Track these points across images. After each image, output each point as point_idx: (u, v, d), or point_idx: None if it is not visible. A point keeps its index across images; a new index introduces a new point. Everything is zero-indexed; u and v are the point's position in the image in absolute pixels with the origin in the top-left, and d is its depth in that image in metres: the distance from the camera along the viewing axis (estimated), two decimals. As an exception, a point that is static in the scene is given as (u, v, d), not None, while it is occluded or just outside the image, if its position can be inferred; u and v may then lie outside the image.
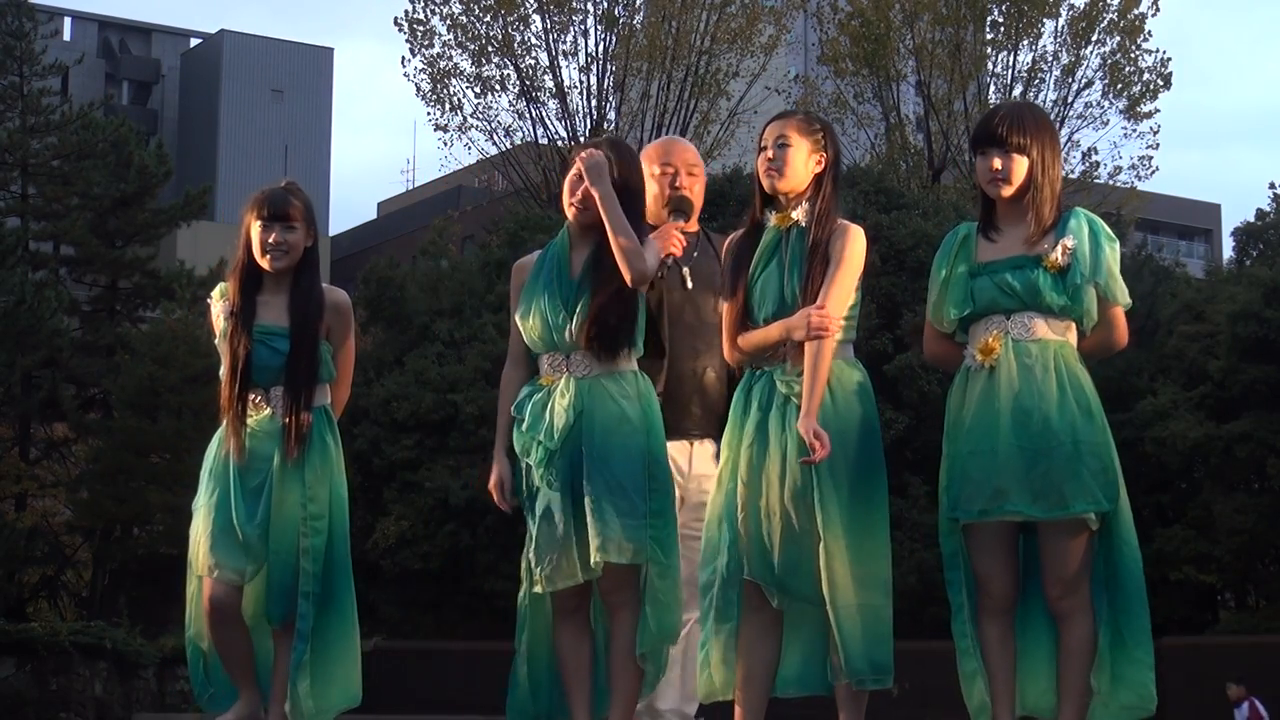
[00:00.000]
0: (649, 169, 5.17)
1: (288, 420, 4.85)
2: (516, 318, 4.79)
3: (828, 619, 4.34)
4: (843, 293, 4.43)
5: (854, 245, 4.46)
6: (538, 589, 4.59)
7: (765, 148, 4.58)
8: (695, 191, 5.27)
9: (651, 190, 5.15)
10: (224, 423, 4.93)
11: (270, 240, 4.92)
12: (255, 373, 4.89)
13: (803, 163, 4.54)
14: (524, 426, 4.69)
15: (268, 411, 4.90)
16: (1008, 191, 4.43)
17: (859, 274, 4.49)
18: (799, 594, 4.39)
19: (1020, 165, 4.40)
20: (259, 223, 4.95)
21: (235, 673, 4.89)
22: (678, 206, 5.17)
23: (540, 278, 4.75)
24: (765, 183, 4.57)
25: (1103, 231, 4.39)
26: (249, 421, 4.89)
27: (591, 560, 4.51)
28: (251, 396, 4.90)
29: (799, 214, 4.53)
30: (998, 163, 4.42)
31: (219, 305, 5.00)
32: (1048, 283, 4.33)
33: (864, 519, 4.37)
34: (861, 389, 4.49)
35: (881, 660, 4.36)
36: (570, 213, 4.75)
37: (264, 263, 4.94)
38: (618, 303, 4.62)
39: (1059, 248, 4.33)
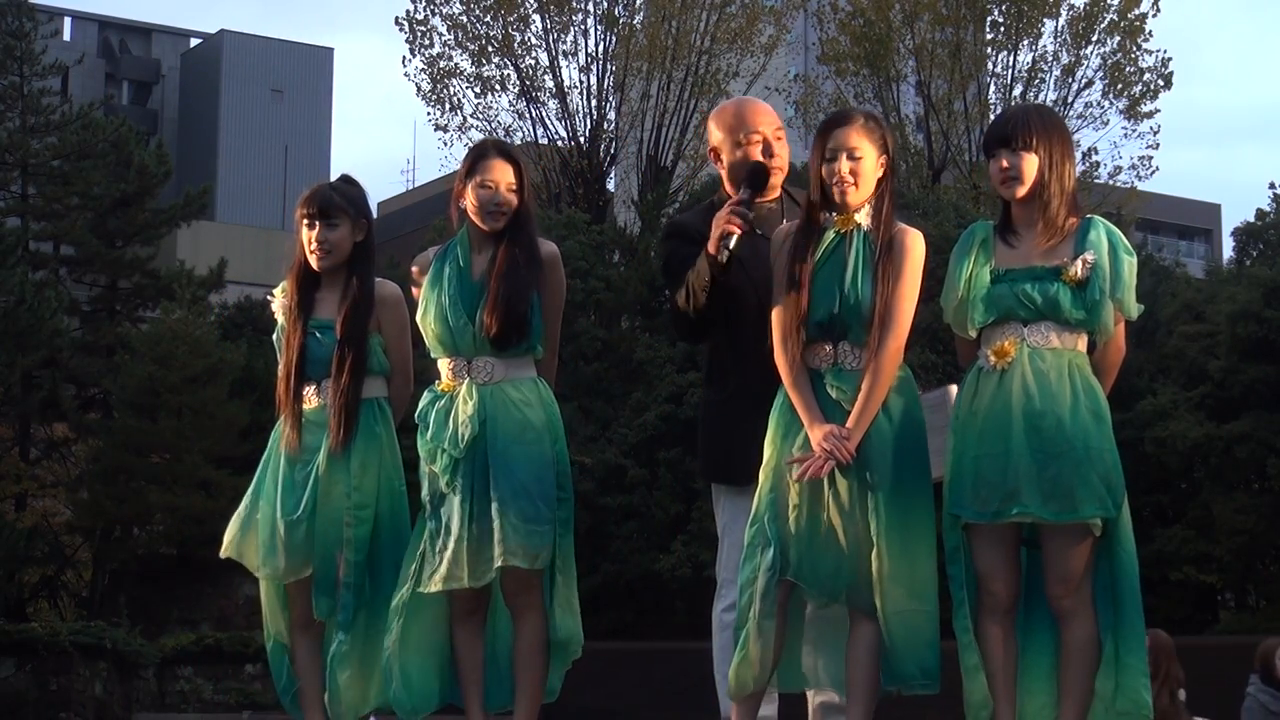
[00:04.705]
0: (724, 139, 4.98)
1: (331, 410, 4.85)
2: (418, 317, 4.84)
3: (873, 624, 4.36)
4: (910, 307, 4.45)
5: (916, 255, 4.47)
6: (433, 588, 4.65)
7: (834, 159, 4.47)
8: (784, 156, 4.98)
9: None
10: (280, 417, 4.95)
11: (313, 239, 4.92)
12: (308, 366, 4.91)
13: (872, 172, 4.50)
14: (428, 435, 4.77)
15: (318, 403, 4.91)
16: (1020, 191, 4.44)
17: (920, 280, 4.50)
18: (837, 597, 4.41)
19: (1030, 163, 4.41)
20: (304, 221, 4.95)
21: (307, 690, 4.90)
22: (746, 179, 4.72)
23: (440, 280, 4.79)
24: (835, 193, 4.48)
25: (1121, 244, 4.42)
26: (302, 413, 4.91)
27: (495, 564, 4.59)
28: (305, 389, 4.92)
29: (862, 217, 4.50)
30: (1006, 162, 4.43)
31: (278, 303, 5.02)
32: (1067, 297, 4.35)
33: (913, 526, 4.39)
34: (910, 394, 4.50)
35: (930, 665, 4.39)
36: (479, 218, 4.79)
37: (311, 261, 4.94)
38: (519, 305, 4.68)
39: (1079, 262, 4.34)
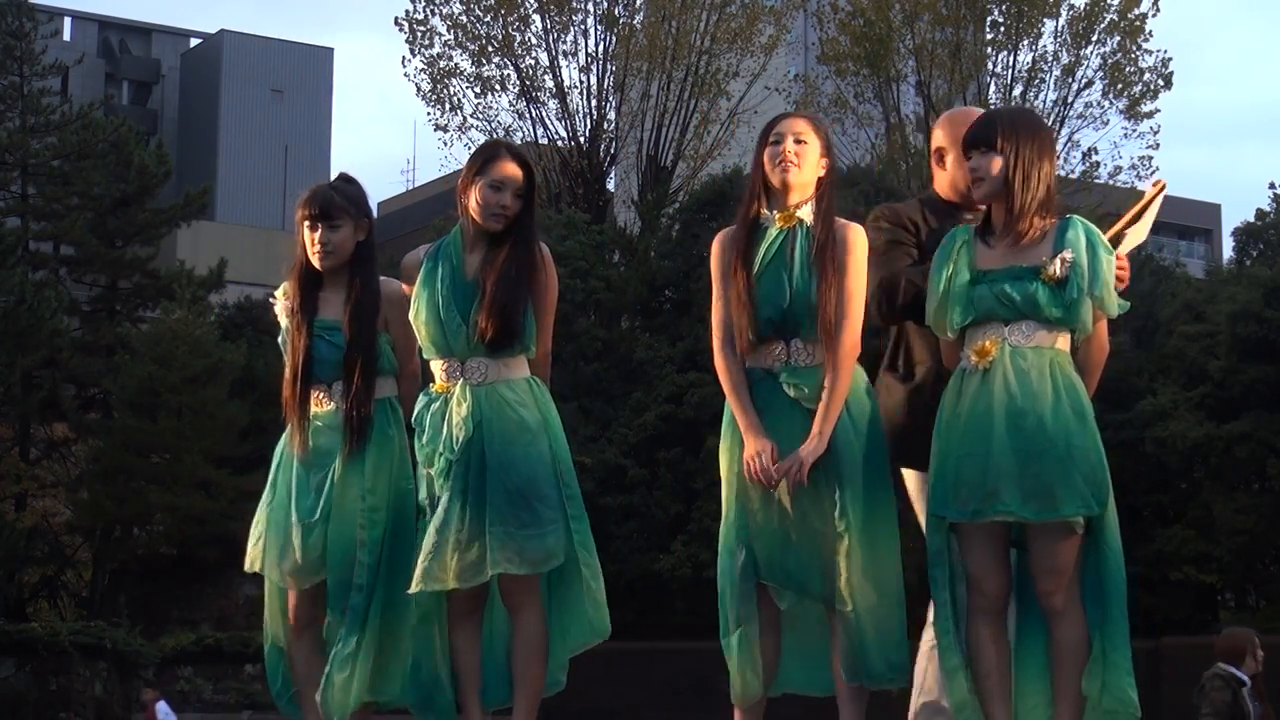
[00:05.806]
0: (949, 145, 4.99)
1: (346, 413, 4.80)
2: (410, 316, 4.79)
3: (844, 620, 4.37)
4: (861, 301, 4.48)
5: (859, 248, 4.49)
6: (413, 589, 4.61)
7: (779, 141, 4.52)
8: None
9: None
10: (289, 421, 4.89)
11: (315, 240, 4.87)
12: (317, 367, 4.85)
13: (815, 161, 4.53)
14: (424, 439, 4.72)
15: (331, 406, 4.85)
16: (981, 189, 4.45)
17: (866, 272, 4.52)
18: (810, 594, 4.43)
19: (994, 163, 4.42)
20: (306, 222, 4.90)
21: (306, 690, 4.86)
22: None
23: (433, 280, 4.74)
24: (777, 175, 4.51)
25: (1100, 242, 4.42)
26: (313, 416, 4.86)
27: (487, 571, 4.56)
28: (315, 392, 4.86)
29: (805, 214, 4.51)
30: (972, 162, 4.46)
31: (281, 304, 4.97)
32: (1045, 296, 4.35)
33: (878, 522, 4.41)
34: (868, 391, 4.52)
35: (898, 660, 4.42)
36: (480, 217, 4.74)
37: (315, 261, 4.90)
38: (516, 311, 4.66)
39: (1057, 261, 4.35)
